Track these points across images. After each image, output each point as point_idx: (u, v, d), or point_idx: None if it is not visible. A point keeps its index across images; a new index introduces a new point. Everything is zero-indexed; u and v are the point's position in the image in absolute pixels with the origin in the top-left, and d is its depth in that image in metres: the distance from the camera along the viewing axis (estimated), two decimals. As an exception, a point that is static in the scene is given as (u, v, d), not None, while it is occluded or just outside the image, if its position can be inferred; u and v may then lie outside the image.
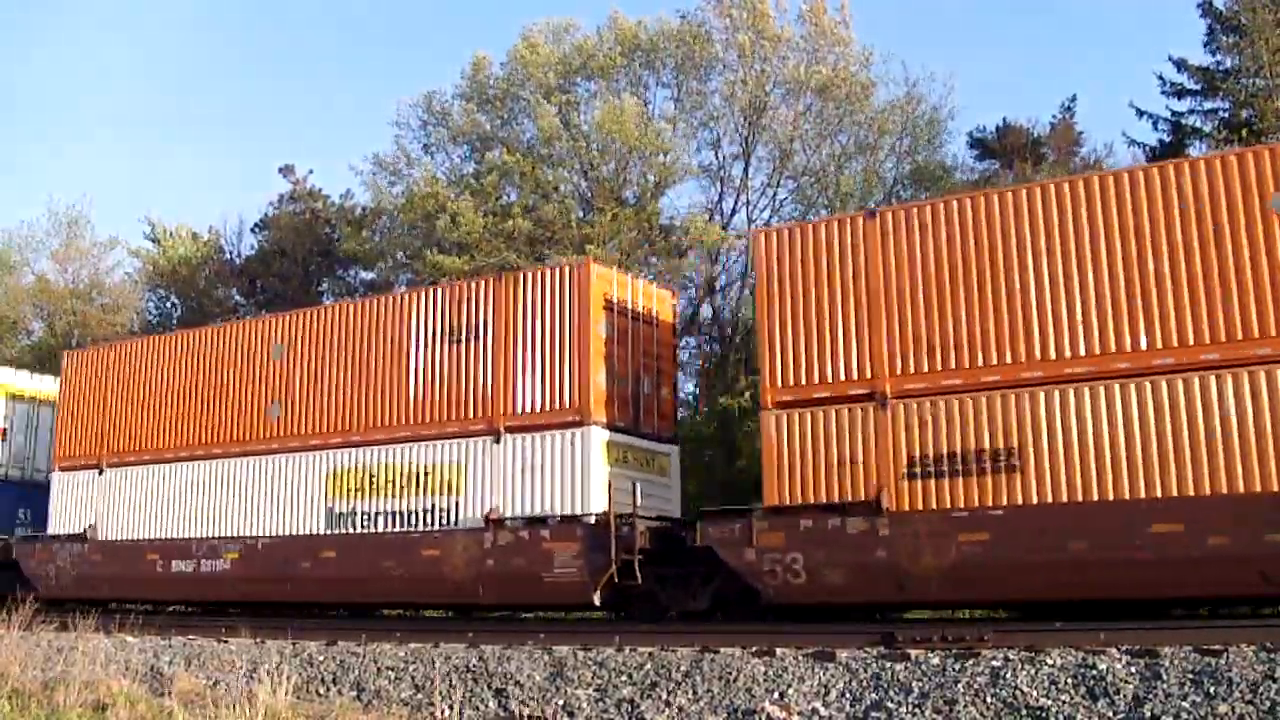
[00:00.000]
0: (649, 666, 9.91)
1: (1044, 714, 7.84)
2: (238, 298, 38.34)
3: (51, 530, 19.11)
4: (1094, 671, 8.22)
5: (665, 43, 29.16)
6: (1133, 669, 8.18)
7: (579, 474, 13.88)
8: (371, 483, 15.48)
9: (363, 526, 15.47)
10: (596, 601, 13.53)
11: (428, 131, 31.56)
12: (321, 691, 10.94)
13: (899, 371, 12.31)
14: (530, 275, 15.02)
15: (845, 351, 12.61)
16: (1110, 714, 7.71)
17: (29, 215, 74.27)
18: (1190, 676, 7.89)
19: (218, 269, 38.69)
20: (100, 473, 18.71)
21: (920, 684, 8.61)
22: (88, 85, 78.54)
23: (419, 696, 10.32)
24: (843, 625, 11.72)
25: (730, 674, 9.42)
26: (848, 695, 8.74)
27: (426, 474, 15.07)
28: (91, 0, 78.75)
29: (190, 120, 77.16)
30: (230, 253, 39.88)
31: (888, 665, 9.08)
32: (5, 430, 21.66)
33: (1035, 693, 8.11)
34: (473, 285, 15.51)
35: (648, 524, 13.60)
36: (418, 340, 15.68)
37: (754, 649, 10.10)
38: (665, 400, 15.71)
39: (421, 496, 15.03)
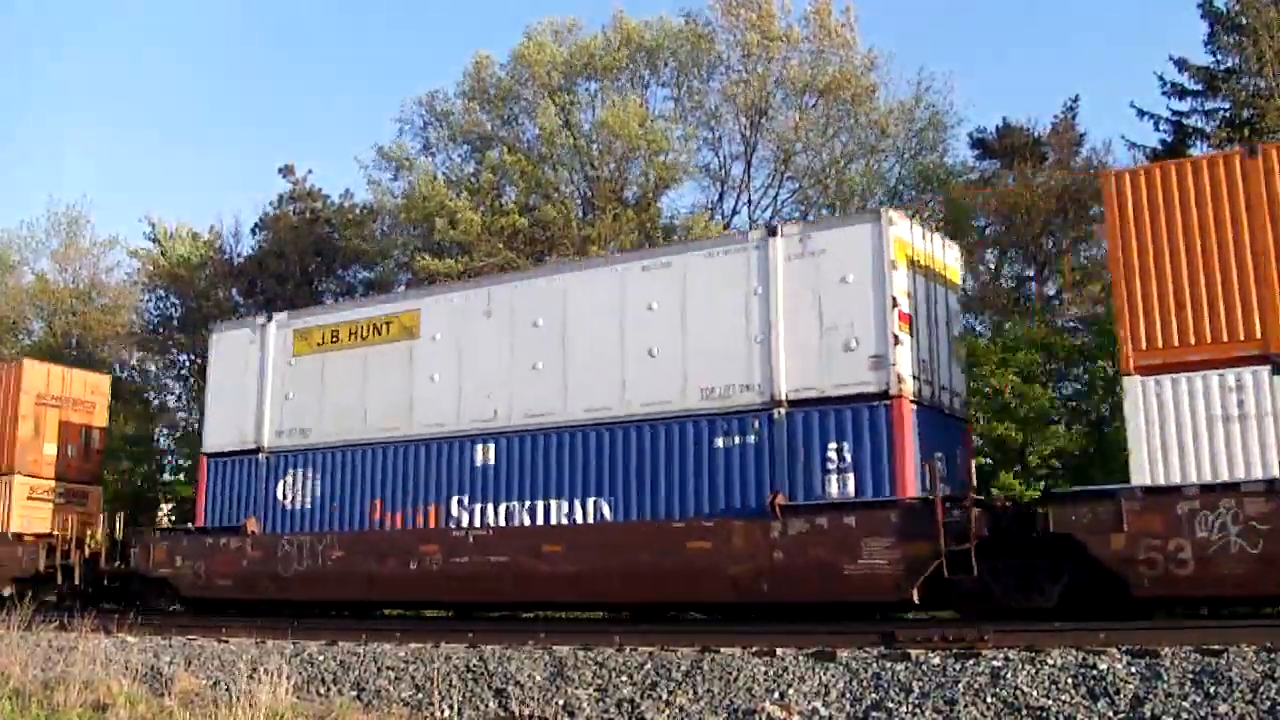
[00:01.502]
0: (649, 666, 9.90)
1: (1044, 714, 7.84)
2: (237, 298, 38.31)
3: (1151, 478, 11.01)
4: (1094, 671, 8.21)
5: (668, 42, 29.18)
6: (1133, 669, 8.17)
7: None
8: None
9: None
10: None
11: (427, 132, 31.67)
12: (322, 691, 10.93)
13: None
14: None
15: None
16: (1110, 714, 7.70)
17: (29, 215, 74.38)
18: (1190, 676, 7.88)
19: (217, 269, 38.66)
20: None
21: (920, 684, 8.60)
22: (88, 85, 78.60)
23: (419, 696, 10.32)
24: (843, 625, 11.70)
25: (730, 674, 9.41)
26: (848, 695, 8.73)
27: None
28: (91, 1, 78.81)
29: (190, 120, 77.20)
30: (230, 253, 39.85)
31: (888, 665, 9.07)
32: (910, 319, 13.12)
33: (1035, 693, 8.10)
34: None
35: None
36: None
37: (754, 649, 10.09)
38: None
39: None
